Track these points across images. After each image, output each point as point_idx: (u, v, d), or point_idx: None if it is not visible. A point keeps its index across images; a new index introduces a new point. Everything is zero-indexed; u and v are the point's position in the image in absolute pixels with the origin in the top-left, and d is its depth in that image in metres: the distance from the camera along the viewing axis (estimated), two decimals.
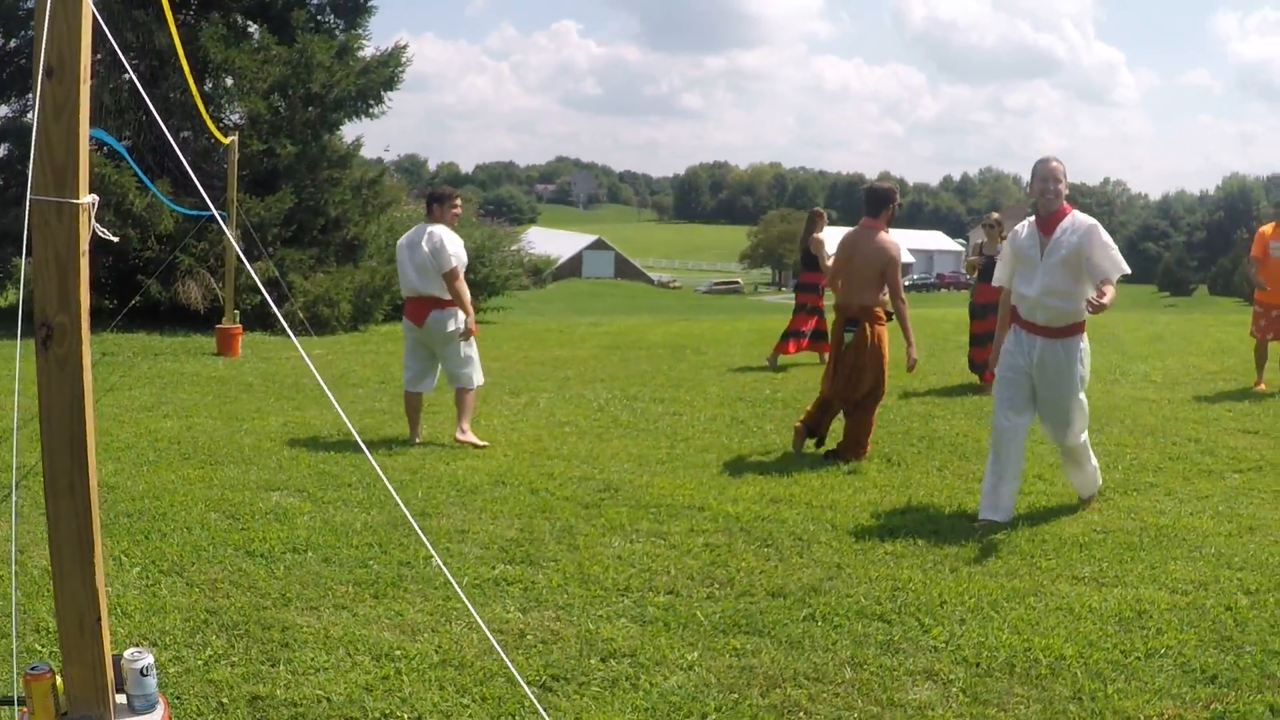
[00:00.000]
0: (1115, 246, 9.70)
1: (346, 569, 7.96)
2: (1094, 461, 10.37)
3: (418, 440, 12.84)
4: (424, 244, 12.62)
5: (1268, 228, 17.18)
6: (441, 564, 7.60)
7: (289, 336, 23.25)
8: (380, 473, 5.34)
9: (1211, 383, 17.87)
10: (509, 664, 6.01)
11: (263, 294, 21.73)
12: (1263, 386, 16.91)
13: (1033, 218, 9.95)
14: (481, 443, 12.72)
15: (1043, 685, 6.31)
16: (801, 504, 10.17)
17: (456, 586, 6.81)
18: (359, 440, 5.63)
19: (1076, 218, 9.76)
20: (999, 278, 10.30)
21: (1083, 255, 9.57)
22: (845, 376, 12.32)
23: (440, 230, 12.67)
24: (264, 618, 6.97)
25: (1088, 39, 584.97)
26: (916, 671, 6.46)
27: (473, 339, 12.90)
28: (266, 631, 6.76)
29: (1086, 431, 10.15)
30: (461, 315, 12.72)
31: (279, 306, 27.20)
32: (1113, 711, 5.98)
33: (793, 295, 19.87)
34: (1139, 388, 17.28)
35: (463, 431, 12.84)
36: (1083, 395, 9.90)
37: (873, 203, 12.41)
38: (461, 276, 12.64)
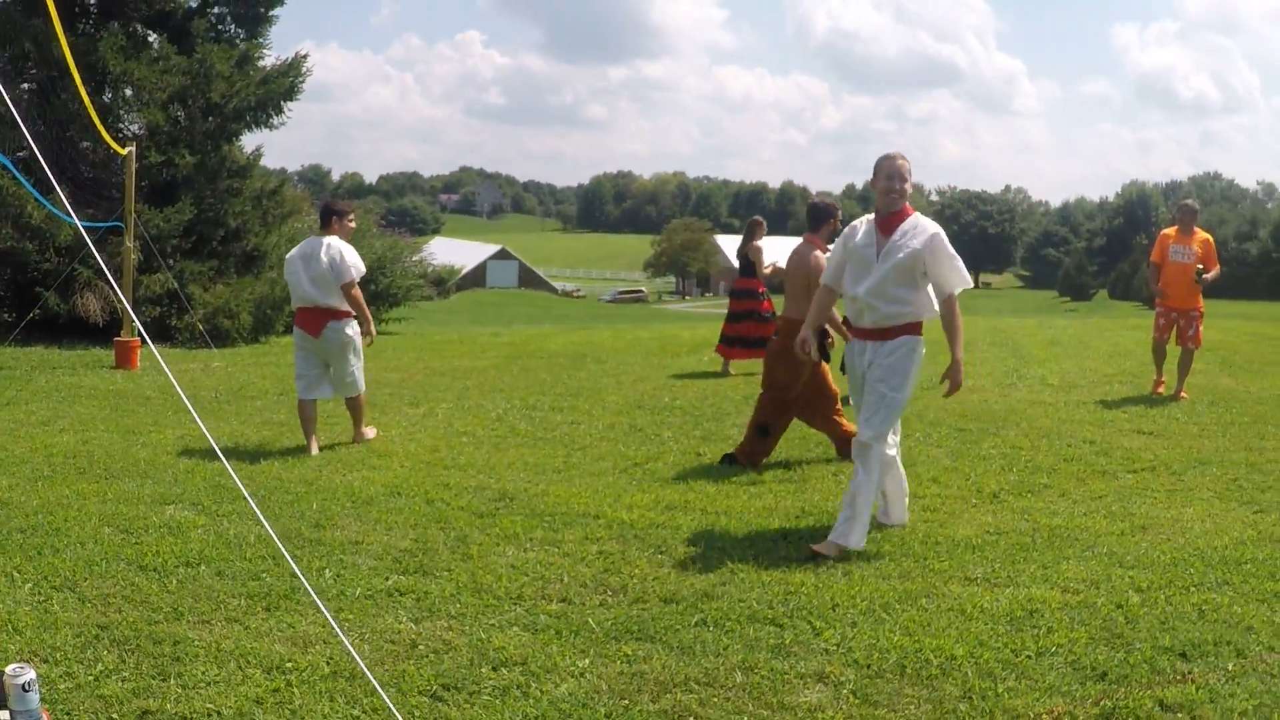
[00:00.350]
0: (959, 258, 9.41)
1: (239, 582, 7.91)
2: (894, 485, 9.76)
3: (315, 452, 12.86)
4: (322, 256, 12.78)
5: (1170, 231, 17.43)
6: (306, 582, 7.58)
7: (188, 349, 23.04)
8: (241, 487, 5.34)
9: (1108, 385, 18.06)
10: (367, 671, 6.00)
11: (161, 306, 21.67)
12: (1162, 385, 17.11)
13: (871, 216, 9.45)
14: (372, 433, 13.74)
15: (933, 685, 6.36)
16: (696, 510, 10.22)
17: (318, 599, 6.81)
18: (218, 452, 5.67)
19: (919, 221, 9.31)
20: (825, 276, 9.97)
21: (921, 262, 9.15)
22: (770, 383, 12.52)
23: (338, 243, 12.90)
24: (155, 632, 6.92)
25: (989, 50, 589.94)
26: (808, 674, 6.48)
27: (357, 345, 13.22)
28: (158, 646, 6.71)
29: (890, 445, 9.48)
30: (354, 325, 13.09)
31: (179, 318, 27.06)
32: (1003, 710, 6.03)
33: (722, 301, 20.37)
34: (1035, 391, 17.44)
35: (360, 435, 13.50)
36: (899, 396, 9.22)
37: (813, 218, 12.59)
38: (357, 287, 12.95)
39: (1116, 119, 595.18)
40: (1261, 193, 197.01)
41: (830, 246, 11.77)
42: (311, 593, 6.83)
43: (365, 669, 5.93)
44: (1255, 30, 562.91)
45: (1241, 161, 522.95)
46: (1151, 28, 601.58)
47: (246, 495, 6.44)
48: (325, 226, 13.14)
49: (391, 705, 5.78)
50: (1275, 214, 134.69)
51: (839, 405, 12.70)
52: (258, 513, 6.27)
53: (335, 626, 6.39)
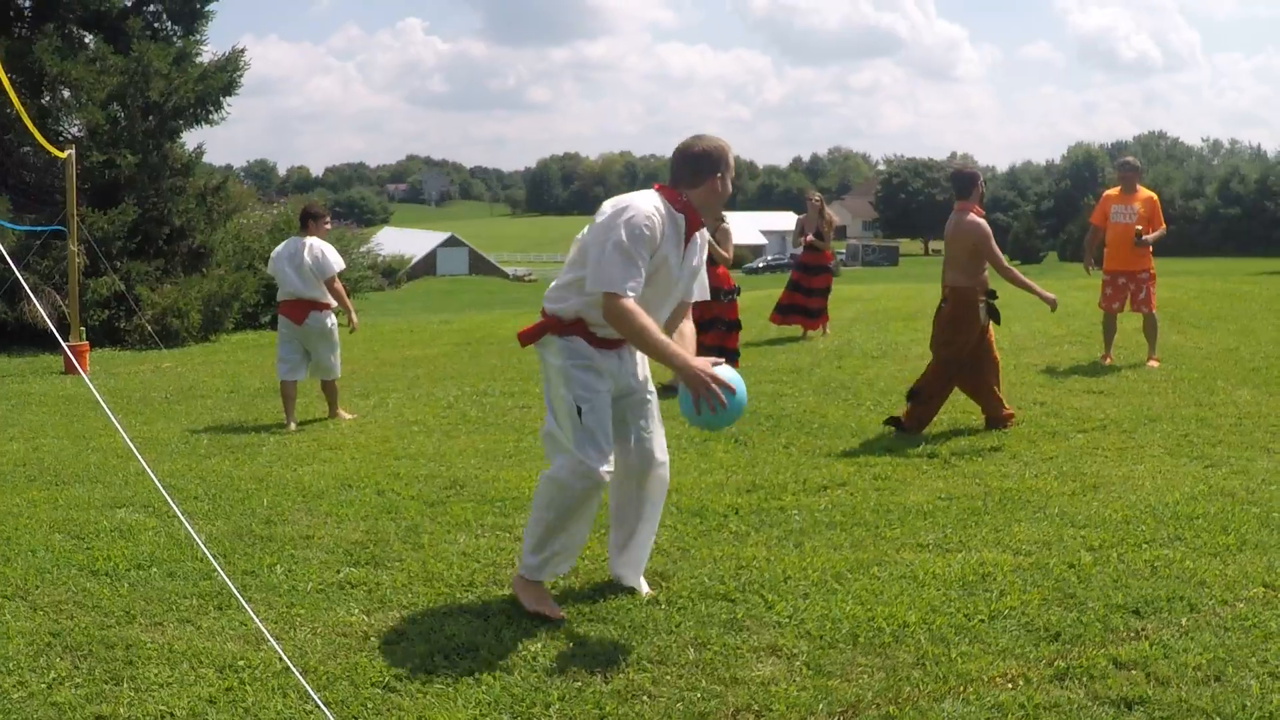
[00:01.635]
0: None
1: (191, 582, 7.87)
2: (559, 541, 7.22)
3: (293, 427, 14.23)
4: (306, 255, 14.34)
5: (1113, 191, 17.07)
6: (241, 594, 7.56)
7: (138, 350, 22.93)
8: (160, 486, 5.31)
9: (1057, 347, 18.15)
10: (291, 664, 5.98)
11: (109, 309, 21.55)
12: (1109, 360, 16.71)
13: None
14: (350, 415, 14.89)
15: (886, 653, 6.36)
16: None
17: (244, 599, 6.78)
18: (139, 458, 5.60)
19: None
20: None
21: None
22: (934, 339, 12.76)
23: (319, 242, 14.52)
24: (108, 636, 6.87)
25: (929, 17, 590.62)
26: (760, 648, 6.48)
27: (334, 332, 14.74)
28: (110, 650, 6.66)
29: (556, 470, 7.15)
30: (333, 316, 14.74)
31: (128, 320, 26.97)
32: (956, 675, 6.03)
33: None
34: None
35: (337, 414, 14.85)
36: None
37: (961, 185, 12.61)
38: (339, 281, 14.66)
39: (1060, 81, 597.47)
40: (1207, 150, 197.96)
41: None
42: (237, 594, 6.79)
43: (291, 664, 5.90)
44: None
45: (1185, 119, 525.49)
46: None
47: (166, 495, 6.41)
48: (304, 229, 14.72)
49: (319, 701, 5.76)
50: (1221, 171, 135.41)
51: (999, 378, 12.69)
52: (180, 517, 6.23)
53: (261, 625, 6.36)
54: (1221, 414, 12.62)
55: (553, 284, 7.23)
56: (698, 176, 7.05)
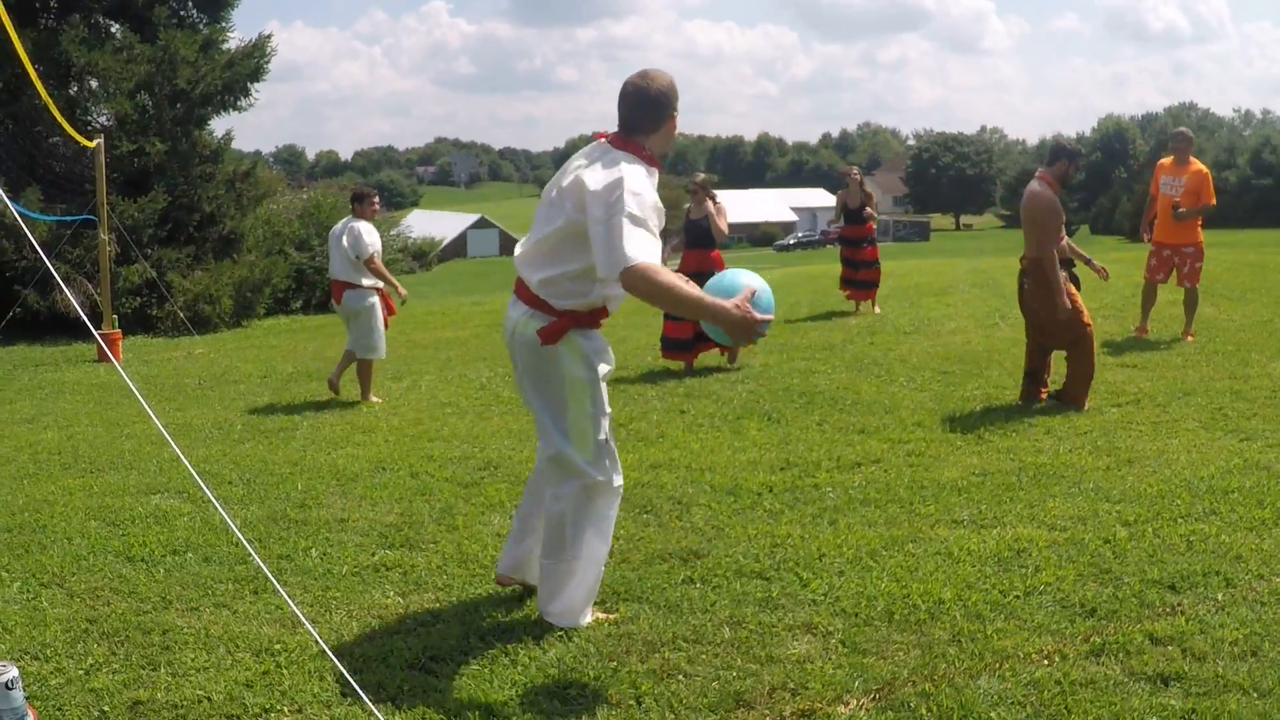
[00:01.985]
0: None
1: (226, 567, 7.90)
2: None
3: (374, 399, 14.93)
4: (344, 237, 14.60)
5: (1166, 160, 16.90)
6: (277, 584, 7.56)
7: (171, 337, 23.04)
8: (192, 471, 5.30)
9: (1092, 321, 18.06)
10: (335, 660, 5.99)
11: (141, 296, 21.64)
12: (1145, 332, 16.60)
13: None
14: (377, 400, 14.91)
15: (921, 630, 6.36)
16: (681, 468, 10.22)
17: (278, 583, 6.79)
18: (173, 445, 5.60)
19: None
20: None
21: None
22: (1032, 326, 12.64)
23: (359, 224, 14.64)
24: (144, 622, 6.89)
25: None
26: (795, 626, 6.48)
27: (378, 317, 14.84)
28: (147, 636, 6.68)
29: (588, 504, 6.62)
30: (372, 297, 14.81)
31: (159, 307, 27.05)
32: (992, 651, 6.02)
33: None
34: (1017, 330, 17.24)
35: (367, 398, 14.90)
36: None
37: (1050, 153, 12.54)
38: (379, 260, 14.73)
39: (1088, 53, 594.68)
40: (1239, 120, 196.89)
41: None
42: (272, 579, 6.81)
43: (325, 647, 5.91)
44: None
45: (1215, 90, 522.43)
46: None
47: (199, 481, 6.42)
48: (353, 211, 15.02)
49: (355, 684, 5.77)
50: (1253, 141, 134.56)
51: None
52: (214, 502, 6.24)
53: (297, 612, 6.37)
54: (1256, 387, 12.56)
55: (542, 275, 6.43)
56: (658, 119, 6.55)
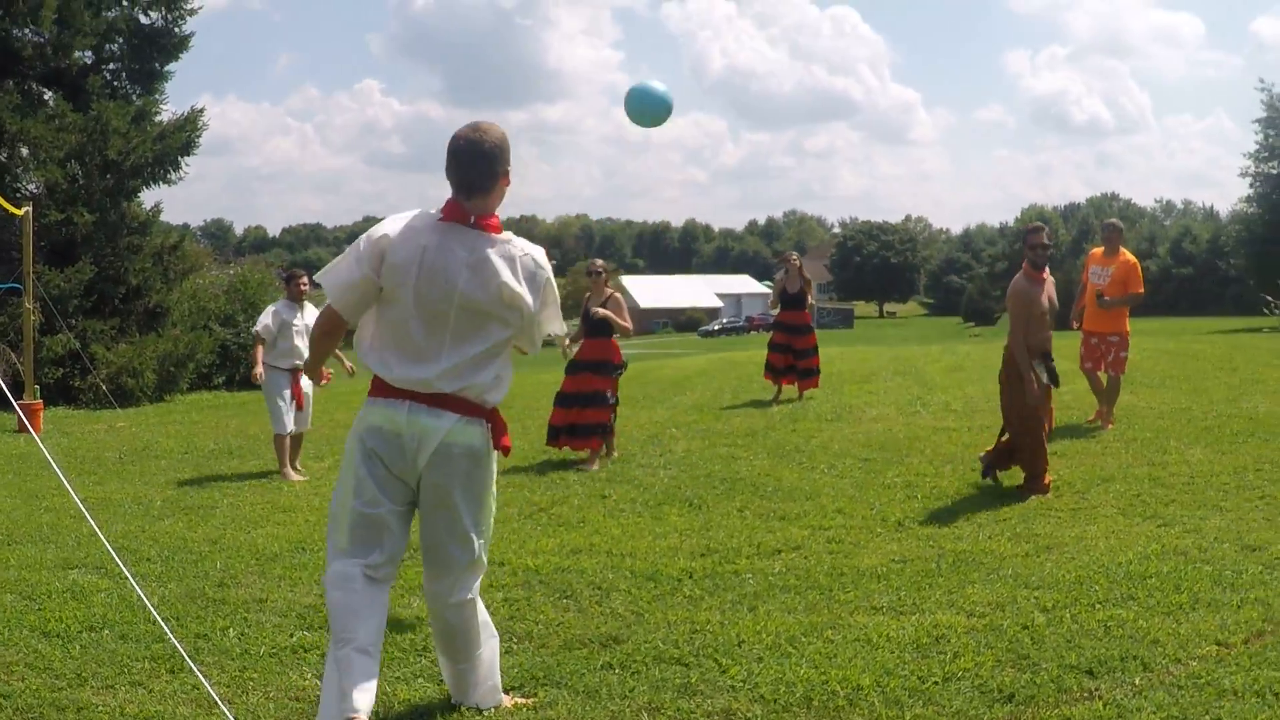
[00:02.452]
0: None
1: (143, 645, 7.83)
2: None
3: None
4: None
5: (1097, 250, 17.18)
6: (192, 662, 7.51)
7: (92, 409, 22.82)
8: (116, 557, 5.28)
9: None
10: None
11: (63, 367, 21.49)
12: (1102, 419, 16.45)
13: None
14: (298, 476, 15.35)
15: (840, 717, 6.38)
16: (601, 553, 10.22)
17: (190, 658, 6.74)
18: (90, 520, 5.57)
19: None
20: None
21: None
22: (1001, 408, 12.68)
23: (275, 304, 15.89)
24: (59, 699, 6.83)
25: (883, 81, 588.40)
26: (714, 712, 6.48)
27: (271, 394, 15.50)
28: (61, 713, 6.62)
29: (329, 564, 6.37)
30: (269, 372, 15.51)
31: (82, 378, 26.91)
32: None
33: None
34: (939, 417, 17.53)
35: (281, 471, 15.41)
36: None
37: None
38: (260, 340, 15.54)
39: (1013, 144, 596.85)
40: (1160, 210, 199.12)
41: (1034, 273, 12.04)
42: (187, 659, 6.76)
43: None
44: (1143, 51, 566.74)
45: (1138, 181, 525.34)
46: (1043, 53, 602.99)
47: (116, 558, 6.37)
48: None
49: None
50: (1173, 231, 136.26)
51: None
52: (131, 579, 6.20)
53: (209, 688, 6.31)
54: (1174, 473, 12.66)
55: (482, 379, 6.21)
56: (496, 177, 6.22)
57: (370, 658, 5.96)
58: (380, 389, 6.29)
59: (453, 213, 6.15)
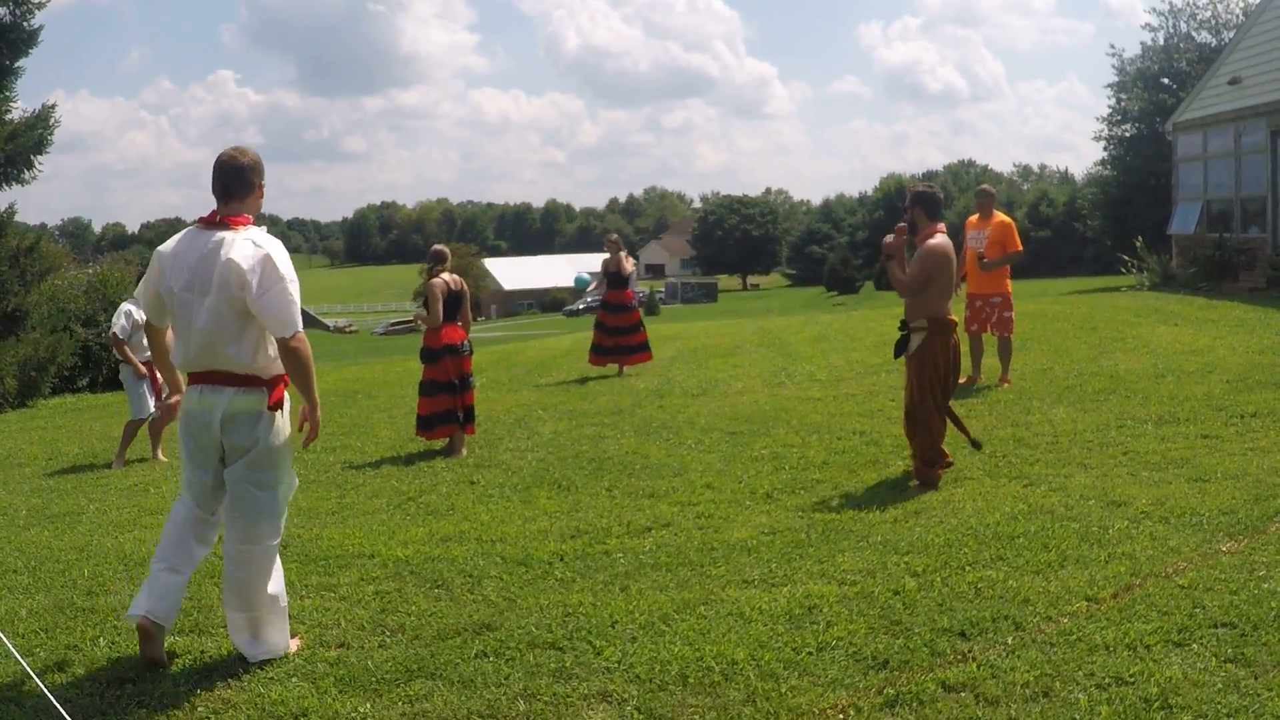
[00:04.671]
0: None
1: (11, 660, 7.68)
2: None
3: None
4: None
5: (973, 217, 17.51)
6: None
7: None
8: None
9: (875, 376, 18.29)
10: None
11: None
12: (977, 379, 16.90)
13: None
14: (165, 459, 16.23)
15: (716, 692, 6.40)
16: (472, 540, 10.16)
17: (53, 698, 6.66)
18: None
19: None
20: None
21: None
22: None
23: (124, 305, 16.49)
24: None
25: (739, 56, 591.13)
26: (591, 695, 6.49)
27: (129, 378, 16.48)
28: None
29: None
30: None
31: None
32: (787, 709, 6.09)
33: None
34: (805, 388, 17.62)
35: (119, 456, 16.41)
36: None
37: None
38: (121, 342, 16.25)
39: (869, 115, 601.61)
40: (1018, 175, 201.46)
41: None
42: (36, 679, 6.68)
43: None
44: (995, 20, 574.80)
45: (994, 147, 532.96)
46: (895, 24, 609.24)
47: None
48: None
49: None
50: (1030, 195, 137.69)
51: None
52: None
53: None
54: (1038, 433, 12.83)
55: (234, 347, 7.20)
56: (252, 186, 7.47)
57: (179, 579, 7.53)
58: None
59: (208, 217, 7.36)
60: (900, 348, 11.69)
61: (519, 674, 6.86)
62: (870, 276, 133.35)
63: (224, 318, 7.12)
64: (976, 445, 11.77)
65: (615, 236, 22.73)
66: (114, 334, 16.36)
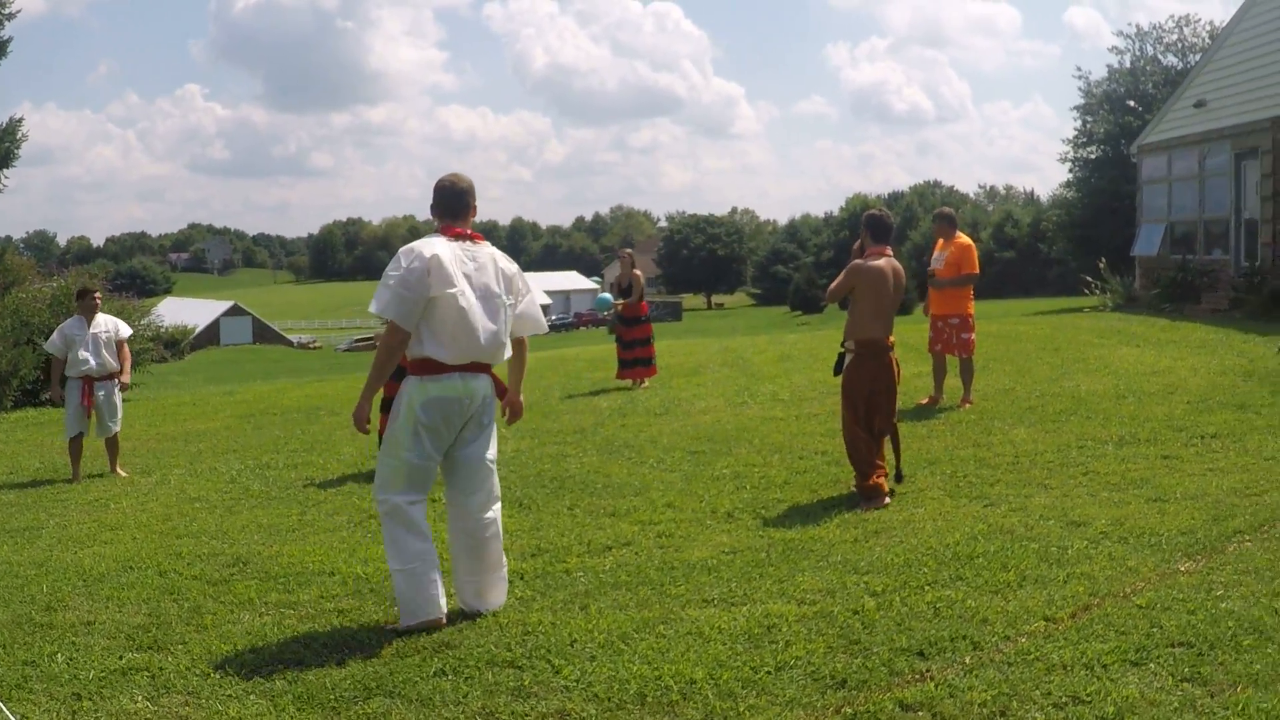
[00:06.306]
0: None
1: None
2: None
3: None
4: None
5: (939, 239, 17.56)
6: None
7: None
8: None
9: (837, 396, 18.18)
10: None
11: None
12: (937, 400, 16.99)
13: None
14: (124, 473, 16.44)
15: (674, 712, 6.40)
16: None
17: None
18: None
19: None
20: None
21: None
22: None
23: (62, 324, 16.89)
24: None
25: (706, 76, 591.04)
26: (549, 714, 6.48)
27: (68, 401, 16.67)
28: None
29: (383, 501, 8.38)
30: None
31: None
32: None
33: None
34: (767, 407, 17.62)
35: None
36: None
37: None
38: (55, 359, 16.71)
39: (835, 135, 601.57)
40: (983, 196, 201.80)
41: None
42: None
43: None
44: (961, 42, 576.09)
45: (960, 168, 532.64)
46: (862, 45, 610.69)
47: None
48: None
49: None
50: (995, 216, 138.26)
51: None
52: None
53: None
54: (999, 454, 12.86)
55: (506, 342, 8.47)
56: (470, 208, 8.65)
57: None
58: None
59: (461, 231, 8.47)
60: (837, 367, 11.92)
61: (477, 692, 6.85)
62: None
63: (508, 319, 8.44)
64: (899, 478, 11.85)
65: (629, 251, 23.20)
66: (50, 351, 16.85)
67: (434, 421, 8.20)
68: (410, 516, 8.20)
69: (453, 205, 8.51)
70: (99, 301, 16.96)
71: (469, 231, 8.46)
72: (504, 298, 8.40)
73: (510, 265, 8.56)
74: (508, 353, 8.54)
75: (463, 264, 8.22)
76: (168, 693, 7.18)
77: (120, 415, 16.97)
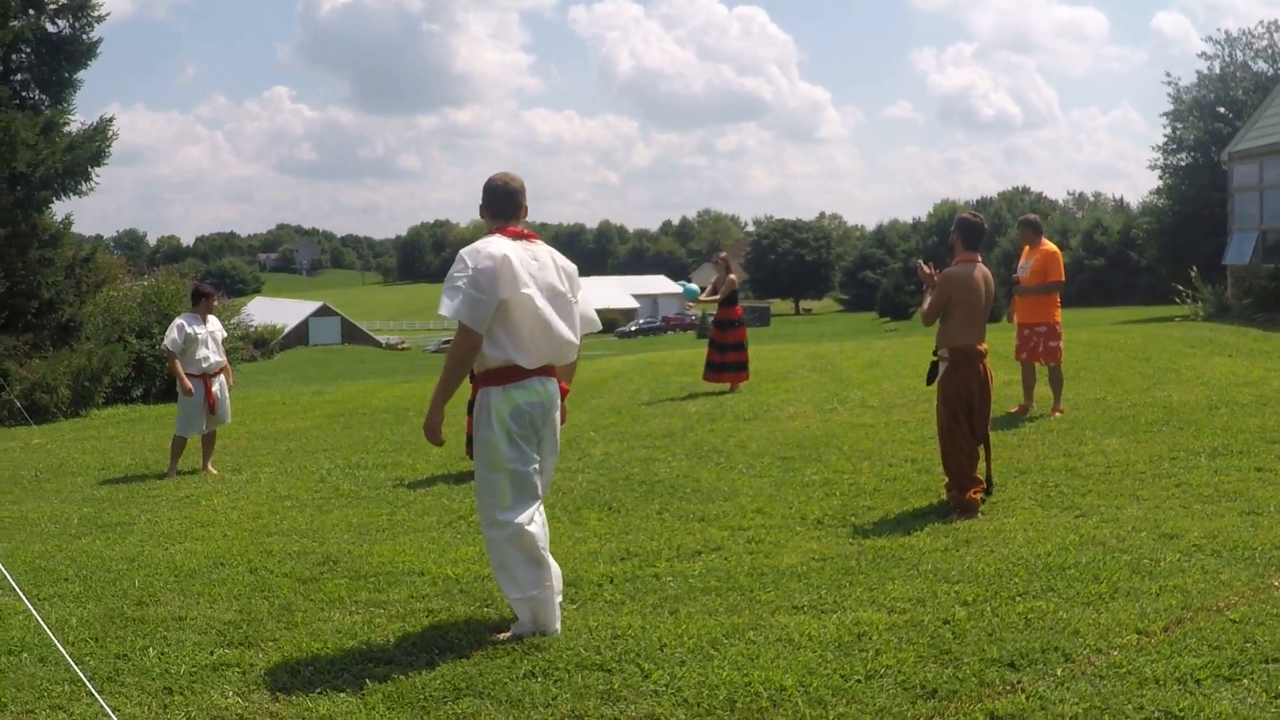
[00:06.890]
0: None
1: (62, 667, 7.70)
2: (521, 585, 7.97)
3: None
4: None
5: (1026, 246, 17.41)
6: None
7: (7, 427, 22.61)
8: (14, 583, 5.22)
9: (927, 403, 18.12)
10: None
11: None
12: (1027, 409, 16.80)
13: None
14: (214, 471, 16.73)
15: (763, 718, 6.38)
16: None
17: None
18: None
19: None
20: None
21: None
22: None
23: (177, 320, 16.99)
24: None
25: (792, 80, 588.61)
26: (637, 718, 6.48)
27: (181, 400, 16.84)
28: None
29: (502, 524, 7.96)
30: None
31: None
32: None
33: None
34: (856, 414, 17.55)
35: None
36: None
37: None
38: (173, 356, 16.73)
39: (922, 141, 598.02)
40: (1072, 203, 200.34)
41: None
42: (88, 684, 6.70)
43: None
44: (1048, 47, 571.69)
45: (1048, 174, 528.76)
46: (948, 50, 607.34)
47: (13, 584, 6.29)
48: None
49: None
50: (1084, 223, 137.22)
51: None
52: (28, 605, 6.13)
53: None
54: (1090, 464, 12.74)
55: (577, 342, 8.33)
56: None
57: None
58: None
59: (517, 231, 8.26)
60: (930, 376, 11.79)
61: (567, 695, 6.86)
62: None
63: (576, 317, 8.34)
64: (989, 488, 11.63)
65: (724, 254, 23.25)
66: (166, 347, 16.88)
67: (525, 430, 7.99)
68: (532, 540, 7.86)
69: (506, 205, 8.32)
70: (215, 303, 17.43)
71: (526, 231, 8.28)
72: (570, 295, 8.27)
73: (568, 263, 8.43)
74: (576, 353, 8.39)
75: (527, 264, 8.01)
76: (258, 689, 7.23)
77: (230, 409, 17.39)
